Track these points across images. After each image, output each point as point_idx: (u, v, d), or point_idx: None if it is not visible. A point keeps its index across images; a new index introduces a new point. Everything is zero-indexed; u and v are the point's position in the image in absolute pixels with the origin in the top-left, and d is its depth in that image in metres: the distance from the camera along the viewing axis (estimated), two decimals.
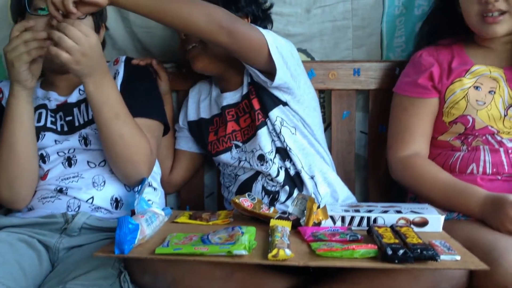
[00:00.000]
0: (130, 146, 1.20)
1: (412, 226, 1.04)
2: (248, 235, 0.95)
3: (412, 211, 1.09)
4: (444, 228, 1.07)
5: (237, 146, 1.38)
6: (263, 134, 1.33)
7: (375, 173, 1.55)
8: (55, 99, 1.32)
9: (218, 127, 1.42)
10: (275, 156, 1.34)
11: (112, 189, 1.27)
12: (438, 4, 1.41)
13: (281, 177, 1.33)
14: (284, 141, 1.33)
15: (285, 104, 1.33)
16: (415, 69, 1.37)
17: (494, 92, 1.28)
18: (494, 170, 1.27)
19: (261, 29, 1.23)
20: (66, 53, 1.07)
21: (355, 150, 1.55)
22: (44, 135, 1.29)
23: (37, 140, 1.27)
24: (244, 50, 1.20)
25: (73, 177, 1.27)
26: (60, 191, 1.25)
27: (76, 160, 1.29)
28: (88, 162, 1.28)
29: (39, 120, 1.30)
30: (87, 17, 1.23)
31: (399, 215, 1.07)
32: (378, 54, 1.57)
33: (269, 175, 1.33)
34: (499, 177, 1.27)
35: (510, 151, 1.27)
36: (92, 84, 1.14)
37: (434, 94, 1.33)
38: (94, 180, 1.27)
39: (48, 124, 1.30)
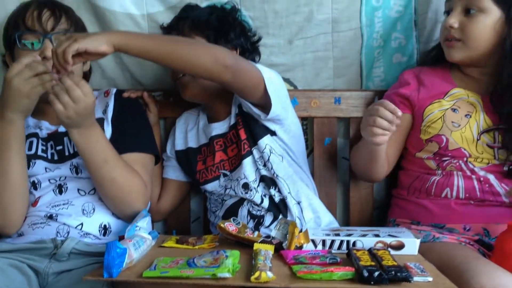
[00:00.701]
0: (122, 188, 1.24)
1: (389, 249, 1.10)
2: (232, 259, 0.99)
3: (389, 235, 1.15)
4: (420, 250, 1.12)
5: (224, 175, 1.42)
6: (248, 163, 1.38)
7: (356, 198, 1.59)
8: (46, 128, 1.35)
9: (206, 156, 1.46)
10: (258, 185, 1.38)
11: (101, 216, 1.30)
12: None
13: (266, 204, 1.37)
14: (271, 168, 1.37)
15: (273, 133, 1.38)
16: (395, 84, 1.47)
17: (470, 116, 1.35)
18: (467, 195, 1.34)
19: (257, 65, 1.29)
20: (62, 106, 1.11)
21: (337, 175, 1.60)
22: (35, 163, 1.31)
23: (28, 167, 1.28)
24: (244, 86, 1.26)
25: (63, 204, 1.29)
26: (50, 217, 1.28)
27: (67, 187, 1.31)
28: (78, 189, 1.31)
29: (30, 148, 1.32)
30: None
31: (377, 239, 1.12)
32: (358, 84, 1.64)
33: (253, 201, 1.38)
34: (472, 202, 1.34)
35: (482, 179, 1.33)
36: (77, 134, 1.18)
37: (408, 110, 1.41)
38: (84, 208, 1.29)
39: (39, 152, 1.33)
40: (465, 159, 1.34)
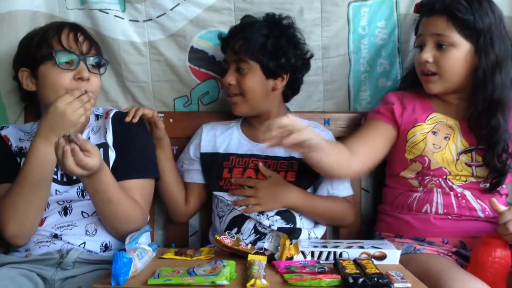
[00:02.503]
0: (124, 220, 1.32)
1: (372, 259, 1.19)
2: (229, 268, 1.08)
3: (373, 246, 1.24)
4: (402, 260, 1.22)
5: None
6: None
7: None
8: None
9: (234, 166, 1.52)
10: (273, 215, 1.47)
11: (102, 236, 1.38)
12: (413, 64, 1.56)
13: (274, 228, 1.44)
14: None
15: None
16: (380, 104, 1.55)
17: (449, 138, 1.44)
18: (445, 210, 1.43)
19: None
20: (76, 165, 1.14)
21: None
22: None
23: None
24: None
25: (68, 225, 1.36)
26: (55, 236, 1.35)
27: (72, 210, 1.37)
28: (82, 212, 1.38)
29: None
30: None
31: (362, 250, 1.22)
32: (346, 106, 1.74)
33: (262, 224, 1.45)
34: (449, 217, 1.43)
35: (459, 195, 1.43)
36: (85, 179, 1.23)
37: (390, 121, 1.49)
38: (87, 229, 1.37)
39: None
40: (445, 177, 1.43)
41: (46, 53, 1.32)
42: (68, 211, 1.37)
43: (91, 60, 1.37)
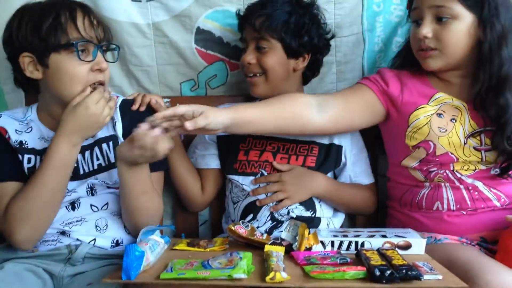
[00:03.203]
0: (153, 216, 1.29)
1: (396, 249, 1.13)
2: (246, 260, 1.03)
3: (396, 235, 1.18)
4: (425, 250, 1.16)
5: (262, 175, 1.44)
6: None
7: None
8: None
9: (250, 148, 1.47)
10: (296, 206, 1.41)
11: (114, 232, 1.31)
12: (406, 42, 1.47)
13: (293, 215, 1.39)
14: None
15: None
16: (375, 75, 1.44)
17: (455, 120, 1.33)
18: (458, 206, 1.34)
19: None
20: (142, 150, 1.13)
21: None
22: None
23: None
24: None
25: (77, 221, 1.29)
26: (63, 233, 1.27)
27: (80, 203, 1.30)
28: (91, 205, 1.30)
29: None
30: None
31: (385, 239, 1.16)
32: None
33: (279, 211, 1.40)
34: (464, 212, 1.34)
35: (470, 187, 1.33)
36: (128, 168, 1.20)
37: (380, 96, 1.38)
38: (97, 224, 1.30)
39: None
40: (451, 167, 1.34)
41: (64, 42, 1.19)
42: (76, 206, 1.30)
43: (106, 48, 1.29)
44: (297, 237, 1.18)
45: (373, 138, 1.55)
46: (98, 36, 1.25)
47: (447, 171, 1.34)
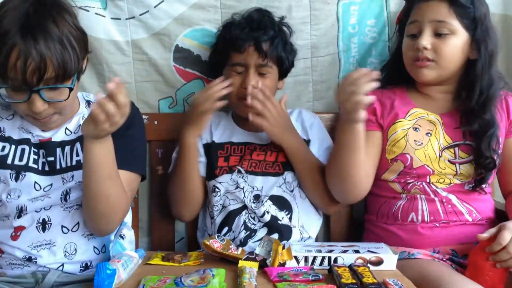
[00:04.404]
0: (114, 206, 1.22)
1: (368, 265, 1.15)
2: (218, 278, 1.03)
3: (368, 251, 1.20)
4: (397, 266, 1.18)
5: (239, 172, 1.45)
6: (271, 182, 1.44)
7: (336, 216, 1.63)
8: (37, 134, 1.28)
9: (230, 155, 1.49)
10: (269, 201, 1.43)
11: (83, 256, 1.28)
12: (392, 57, 1.56)
13: (266, 219, 1.41)
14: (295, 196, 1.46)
15: None
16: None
17: (431, 134, 1.40)
18: (432, 218, 1.38)
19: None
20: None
21: None
22: (25, 175, 1.25)
23: (16, 180, 1.24)
24: None
25: (46, 244, 1.25)
26: (29, 259, 1.23)
27: (51, 224, 1.26)
28: (62, 227, 1.27)
29: (21, 159, 1.26)
30: None
31: (357, 255, 1.17)
32: (336, 106, 1.68)
33: (255, 213, 1.42)
34: (437, 224, 1.38)
35: (444, 200, 1.38)
36: (99, 145, 1.15)
37: (376, 127, 1.44)
38: (66, 249, 1.26)
39: (30, 163, 1.26)
40: (428, 179, 1.38)
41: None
42: (47, 226, 1.26)
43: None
44: (271, 253, 1.19)
45: None
46: (29, 80, 1.12)
47: (424, 183, 1.39)
